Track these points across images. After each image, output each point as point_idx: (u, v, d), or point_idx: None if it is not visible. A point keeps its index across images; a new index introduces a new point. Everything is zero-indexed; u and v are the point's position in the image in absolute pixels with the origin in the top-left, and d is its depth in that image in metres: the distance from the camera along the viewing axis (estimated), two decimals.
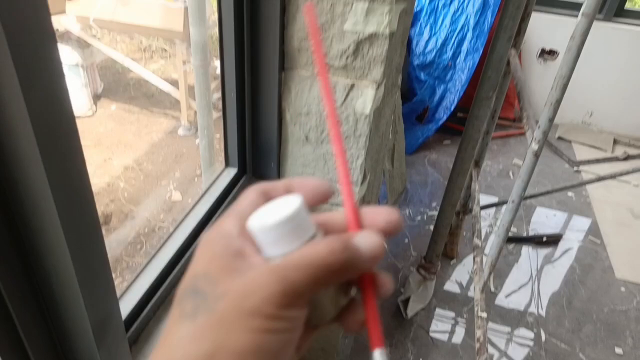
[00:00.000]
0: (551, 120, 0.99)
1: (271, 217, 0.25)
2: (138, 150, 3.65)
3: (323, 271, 0.23)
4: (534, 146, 1.01)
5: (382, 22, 0.93)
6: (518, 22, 1.23)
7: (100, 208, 3.01)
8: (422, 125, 2.83)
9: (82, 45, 3.67)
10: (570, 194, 2.54)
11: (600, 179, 1.72)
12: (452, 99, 2.78)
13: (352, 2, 0.93)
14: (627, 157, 2.94)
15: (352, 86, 1.02)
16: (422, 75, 2.83)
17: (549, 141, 2.90)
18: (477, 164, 1.74)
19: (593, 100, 3.00)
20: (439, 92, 2.82)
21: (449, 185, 1.65)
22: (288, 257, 0.24)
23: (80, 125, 3.64)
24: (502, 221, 1.08)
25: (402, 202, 2.34)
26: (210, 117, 1.74)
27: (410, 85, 2.86)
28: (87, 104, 3.85)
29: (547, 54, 2.95)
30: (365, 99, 1.03)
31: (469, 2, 2.69)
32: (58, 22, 3.68)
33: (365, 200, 1.22)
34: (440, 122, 2.77)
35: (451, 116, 2.79)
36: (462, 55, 2.75)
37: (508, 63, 1.35)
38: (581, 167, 2.72)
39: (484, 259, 1.64)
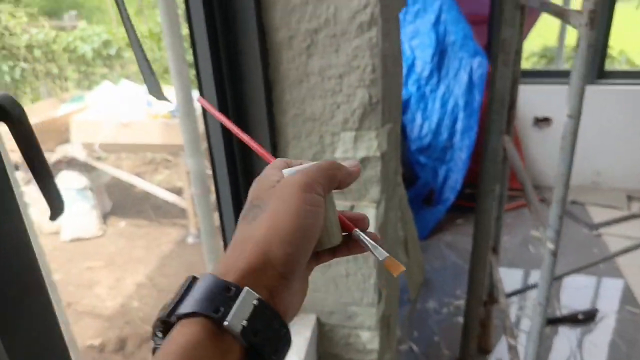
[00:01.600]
0: (561, 217, 0.95)
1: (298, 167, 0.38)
2: (149, 264, 3.62)
3: (326, 172, 0.37)
4: (550, 246, 0.97)
5: (371, 146, 0.93)
6: (506, 115, 1.23)
7: (115, 333, 2.92)
8: (431, 207, 2.80)
9: (88, 169, 3.79)
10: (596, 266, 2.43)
11: (628, 249, 1.64)
12: (456, 178, 2.77)
13: (339, 132, 0.93)
14: None
15: (352, 208, 1.00)
16: (422, 159, 2.85)
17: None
18: (495, 251, 1.68)
19: (598, 160, 2.99)
20: (441, 173, 2.82)
21: (470, 278, 1.58)
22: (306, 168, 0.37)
23: (91, 247, 3.61)
24: (532, 329, 1.00)
25: (424, 293, 2.25)
26: (213, 224, 1.73)
27: (411, 170, 2.87)
28: (97, 224, 3.88)
29: (541, 121, 2.99)
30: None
31: (454, 84, 2.78)
32: (64, 150, 3.83)
33: (386, 315, 1.16)
34: (449, 203, 2.74)
35: (459, 195, 2.77)
36: (458, 134, 2.78)
37: (504, 149, 1.34)
38: (601, 230, 2.63)
39: (520, 349, 1.52)
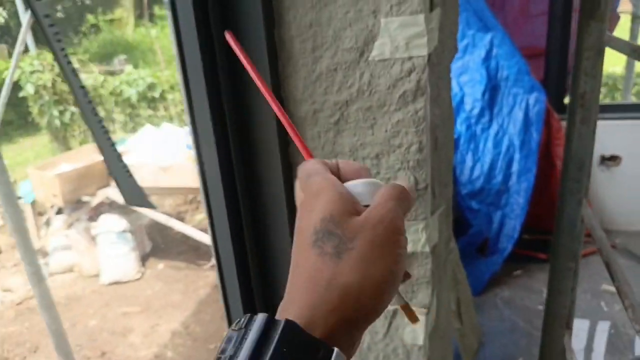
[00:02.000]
0: None
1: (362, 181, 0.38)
2: (186, 310, 3.51)
3: (405, 204, 0.35)
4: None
5: (419, 239, 0.74)
6: (586, 182, 1.01)
7: None
8: (485, 258, 2.53)
9: (128, 211, 3.76)
10: None
11: None
12: (513, 225, 2.50)
13: None
14: None
15: (394, 313, 0.80)
16: (474, 204, 2.60)
17: (635, 254, 2.51)
18: (568, 326, 1.41)
19: None
20: (496, 219, 2.56)
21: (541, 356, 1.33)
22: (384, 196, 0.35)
23: (129, 290, 3.52)
24: None
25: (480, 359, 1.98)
26: None
27: (462, 216, 2.62)
28: (136, 267, 3.84)
29: (609, 160, 2.68)
30: (415, 327, 0.80)
31: (509, 123, 2.54)
32: (105, 194, 3.84)
33: None
34: (506, 253, 2.47)
35: (516, 243, 2.49)
36: (514, 177, 2.53)
37: (582, 220, 1.10)
38: None
39: None
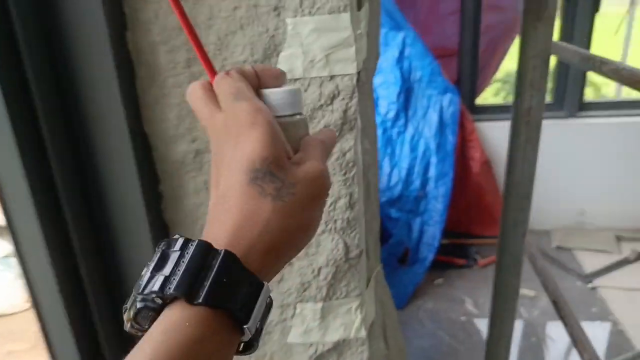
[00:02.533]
0: None
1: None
2: None
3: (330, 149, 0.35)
4: None
5: (351, 322, 0.54)
6: (529, 210, 0.88)
7: None
8: (407, 268, 2.44)
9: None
10: (598, 331, 2.12)
11: None
12: (433, 233, 2.43)
13: (294, 303, 0.53)
14: (638, 257, 2.62)
15: None
16: (393, 212, 2.50)
17: (548, 253, 2.56)
18: None
19: (581, 198, 2.74)
20: (415, 227, 2.47)
21: None
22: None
23: (15, 324, 2.98)
24: None
25: None
26: None
27: (382, 226, 2.50)
28: (24, 297, 3.29)
29: None
30: None
31: (424, 126, 2.46)
32: None
33: None
34: (427, 262, 2.39)
35: (437, 251, 2.42)
36: (432, 182, 2.46)
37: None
38: (595, 282, 2.35)
39: None
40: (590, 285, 2.35)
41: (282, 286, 0.53)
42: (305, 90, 0.45)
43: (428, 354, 1.99)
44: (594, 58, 0.71)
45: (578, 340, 0.86)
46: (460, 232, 2.70)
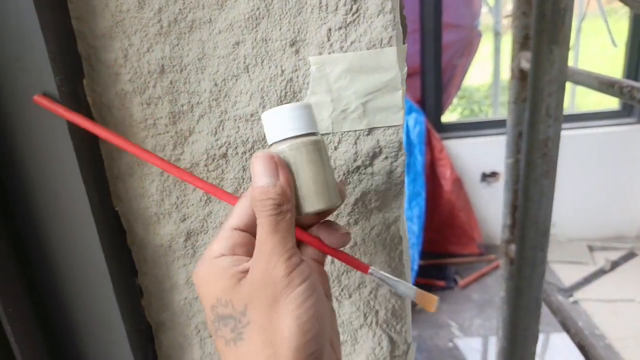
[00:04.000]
0: None
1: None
2: None
3: (281, 210, 0.27)
4: None
5: None
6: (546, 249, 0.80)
7: None
8: None
9: None
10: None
11: None
12: (411, 256, 2.35)
13: None
14: (613, 266, 2.64)
15: None
16: None
17: None
18: None
19: (553, 210, 2.75)
20: None
21: None
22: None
23: None
24: None
25: None
26: None
27: None
28: None
29: (489, 176, 2.70)
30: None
31: None
32: None
33: None
34: None
35: (416, 274, 2.34)
36: (405, 203, 2.38)
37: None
38: (576, 295, 2.33)
39: None
40: (571, 299, 2.33)
41: None
42: (335, 149, 0.34)
43: None
44: (616, 82, 0.64)
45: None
46: (437, 252, 2.64)
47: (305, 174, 0.28)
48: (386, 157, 0.34)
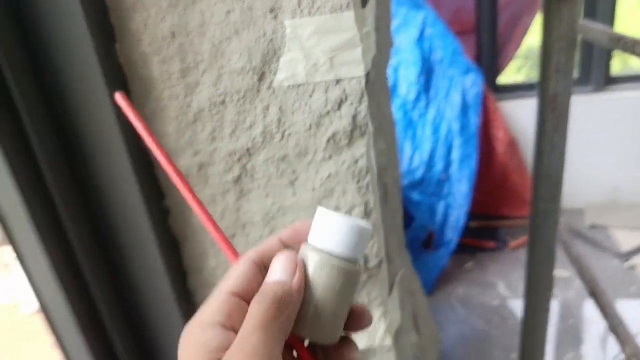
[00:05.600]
0: None
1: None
2: None
3: (282, 307, 0.24)
4: None
5: (374, 331, 0.51)
6: (560, 202, 0.83)
7: None
8: (432, 252, 2.39)
9: None
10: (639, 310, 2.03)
11: None
12: (457, 215, 2.37)
13: None
14: None
15: None
16: (415, 196, 2.45)
17: (582, 233, 2.47)
18: None
19: (615, 174, 2.63)
20: (439, 210, 2.42)
21: None
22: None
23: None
24: None
25: None
26: None
27: (404, 209, 2.46)
28: None
29: None
30: None
31: (446, 107, 2.39)
32: None
33: None
34: (452, 245, 2.34)
35: (463, 233, 2.37)
36: (455, 164, 2.39)
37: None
38: (633, 260, 2.26)
39: None
40: (627, 264, 2.26)
41: None
42: (310, 96, 0.42)
43: (462, 340, 1.96)
44: (626, 38, 0.65)
45: (613, 321, 0.81)
46: (488, 215, 2.63)
47: (320, 297, 0.25)
48: (351, 103, 0.42)
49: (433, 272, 2.31)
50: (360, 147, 0.43)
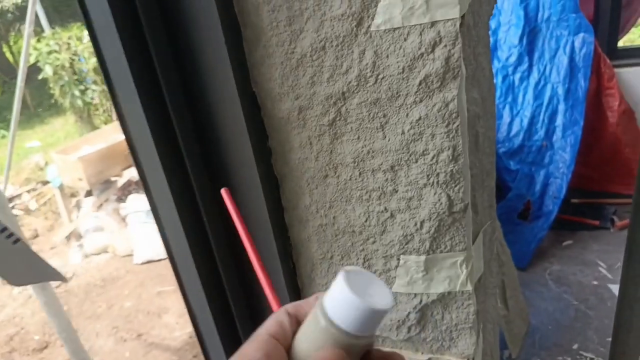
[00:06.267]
0: None
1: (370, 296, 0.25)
2: None
3: None
4: None
5: (456, 276, 0.53)
6: None
7: None
8: (529, 223, 2.29)
9: None
10: None
11: None
12: (559, 185, 2.24)
13: (398, 254, 0.54)
14: None
15: None
16: (512, 164, 2.34)
17: None
18: None
19: None
20: (539, 179, 2.30)
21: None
22: None
23: (162, 269, 3.42)
24: None
25: (528, 347, 1.79)
26: None
27: (500, 179, 2.37)
28: None
29: None
30: None
31: (551, 70, 2.22)
32: (130, 174, 3.75)
33: None
34: (552, 216, 2.22)
35: (563, 206, 2.23)
36: (559, 131, 2.24)
37: None
38: None
39: None
40: None
41: (384, 238, 0.54)
42: (405, 40, 0.44)
43: (554, 317, 1.88)
44: None
45: None
46: (594, 191, 2.44)
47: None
48: (445, 45, 0.43)
49: (530, 245, 2.22)
50: (452, 90, 0.45)
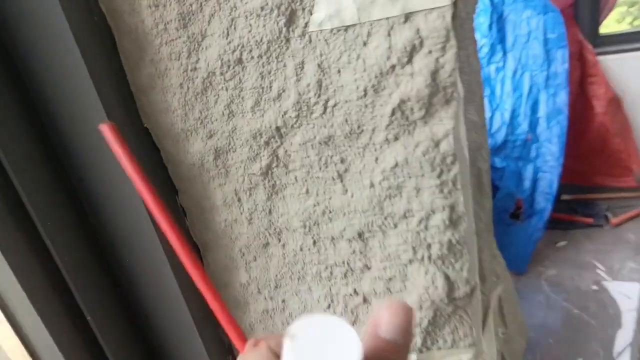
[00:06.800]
0: None
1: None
2: None
3: None
4: None
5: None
6: None
7: None
8: (522, 223, 2.15)
9: None
10: None
11: None
12: (550, 180, 2.11)
13: None
14: None
15: None
16: (498, 162, 2.21)
17: None
18: None
19: None
20: (528, 175, 2.17)
21: None
22: None
23: None
24: None
25: None
26: None
27: None
28: None
29: None
30: None
31: (527, 56, 2.10)
32: None
33: None
34: (546, 214, 2.08)
35: (556, 206, 2.10)
36: (543, 122, 2.12)
37: None
38: None
39: None
40: None
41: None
42: (365, 45, 0.27)
43: (554, 329, 1.74)
44: None
45: None
46: (584, 186, 2.32)
47: None
48: (429, 52, 0.26)
49: (527, 247, 2.07)
50: (445, 122, 0.28)
